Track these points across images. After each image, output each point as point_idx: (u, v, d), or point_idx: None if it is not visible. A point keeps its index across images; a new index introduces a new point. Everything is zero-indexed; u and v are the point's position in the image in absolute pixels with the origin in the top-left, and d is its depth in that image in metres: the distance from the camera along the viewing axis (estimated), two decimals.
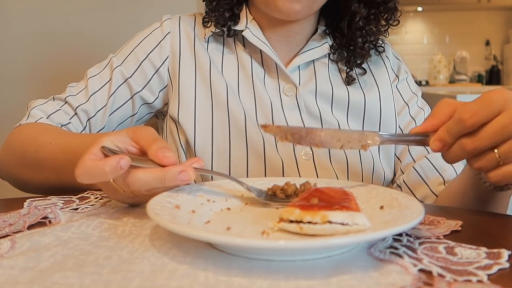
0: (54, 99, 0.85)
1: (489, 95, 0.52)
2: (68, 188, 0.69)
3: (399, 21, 0.89)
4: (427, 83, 4.35)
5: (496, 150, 0.52)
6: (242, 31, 0.85)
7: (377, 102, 0.87)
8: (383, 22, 0.88)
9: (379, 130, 0.87)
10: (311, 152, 0.81)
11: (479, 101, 0.52)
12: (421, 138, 0.56)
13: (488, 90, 0.54)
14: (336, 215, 0.45)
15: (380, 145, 0.57)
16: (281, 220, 0.47)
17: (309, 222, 0.45)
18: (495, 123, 0.51)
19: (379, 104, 0.87)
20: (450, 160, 0.56)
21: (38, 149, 0.73)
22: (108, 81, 0.84)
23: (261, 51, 0.85)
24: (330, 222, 0.44)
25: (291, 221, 0.46)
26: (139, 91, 0.85)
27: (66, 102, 0.84)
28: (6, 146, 0.79)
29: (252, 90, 0.84)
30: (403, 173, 0.86)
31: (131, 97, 0.85)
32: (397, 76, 0.92)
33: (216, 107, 0.82)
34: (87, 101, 0.83)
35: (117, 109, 0.85)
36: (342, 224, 0.45)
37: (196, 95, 0.83)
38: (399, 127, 0.89)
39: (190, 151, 0.83)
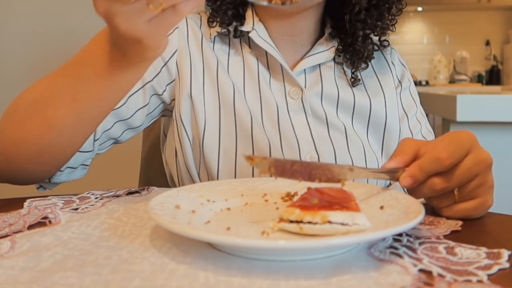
0: None
1: (458, 136, 0.54)
2: (63, 125, 0.63)
3: (402, 11, 0.87)
4: (427, 83, 4.35)
5: (456, 189, 0.55)
6: (248, 32, 0.85)
7: (382, 108, 0.87)
8: (386, 15, 0.86)
9: (383, 137, 0.87)
10: (316, 156, 0.81)
11: (451, 141, 0.53)
12: (391, 174, 0.56)
13: (455, 131, 0.55)
14: (336, 215, 0.45)
15: (354, 179, 0.57)
16: (281, 220, 0.47)
17: (309, 222, 0.45)
18: (463, 166, 0.53)
19: (385, 111, 0.87)
20: (416, 197, 0.56)
21: (31, 89, 0.68)
22: None
23: (267, 53, 0.85)
24: (330, 222, 0.45)
25: (291, 221, 0.46)
26: (150, 81, 0.83)
27: None
28: None
29: (258, 92, 0.83)
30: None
31: (142, 86, 0.82)
32: (400, 83, 0.92)
33: (223, 107, 0.82)
34: None
35: (128, 97, 0.81)
36: (342, 224, 0.45)
37: (204, 94, 0.83)
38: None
39: (196, 149, 0.82)
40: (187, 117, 0.83)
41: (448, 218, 0.56)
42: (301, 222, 0.45)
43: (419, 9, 4.54)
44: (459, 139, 0.53)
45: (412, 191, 0.56)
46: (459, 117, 1.49)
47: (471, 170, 0.53)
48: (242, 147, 0.80)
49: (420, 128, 0.90)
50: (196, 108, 0.82)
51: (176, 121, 0.84)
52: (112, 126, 0.81)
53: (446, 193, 0.55)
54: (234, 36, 0.86)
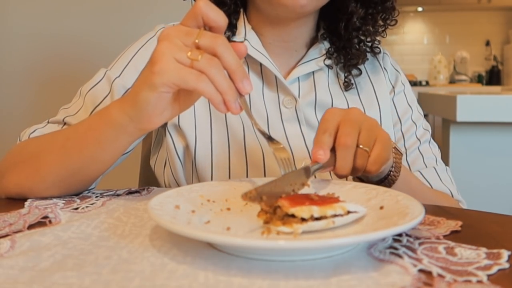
0: (48, 122, 0.79)
1: (327, 112, 0.61)
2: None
3: (396, 21, 0.87)
4: (427, 83, 4.35)
5: (360, 145, 0.59)
6: (241, 42, 0.84)
7: (377, 115, 0.86)
8: (380, 22, 0.86)
9: None
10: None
11: (324, 119, 0.60)
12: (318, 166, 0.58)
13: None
14: (348, 205, 0.47)
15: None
16: (303, 220, 0.45)
17: (334, 215, 0.46)
18: (345, 121, 0.58)
19: (379, 118, 0.86)
20: (345, 171, 0.59)
21: (38, 139, 0.71)
22: (109, 93, 0.79)
23: (260, 62, 0.84)
24: (349, 212, 0.47)
25: (313, 219, 0.46)
26: None
27: (65, 123, 0.77)
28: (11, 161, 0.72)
29: (248, 102, 0.82)
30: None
31: None
32: (393, 88, 0.91)
33: (215, 119, 0.81)
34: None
35: None
36: (356, 212, 0.48)
37: (195, 106, 0.81)
38: None
39: (188, 163, 0.82)
40: (177, 130, 0.82)
41: (377, 172, 0.60)
42: (324, 217, 0.46)
43: (419, 9, 4.54)
44: (328, 115, 0.60)
45: (338, 167, 0.59)
46: (459, 117, 1.49)
47: (355, 120, 0.59)
48: (236, 159, 0.79)
49: (416, 129, 0.89)
50: (185, 121, 0.81)
51: (168, 133, 0.83)
52: None
53: (357, 154, 0.58)
54: None
